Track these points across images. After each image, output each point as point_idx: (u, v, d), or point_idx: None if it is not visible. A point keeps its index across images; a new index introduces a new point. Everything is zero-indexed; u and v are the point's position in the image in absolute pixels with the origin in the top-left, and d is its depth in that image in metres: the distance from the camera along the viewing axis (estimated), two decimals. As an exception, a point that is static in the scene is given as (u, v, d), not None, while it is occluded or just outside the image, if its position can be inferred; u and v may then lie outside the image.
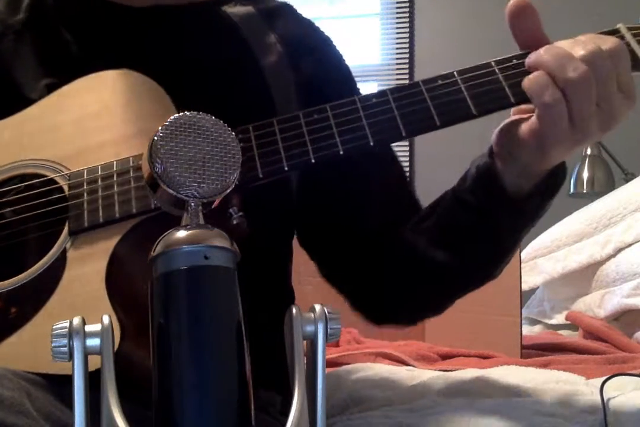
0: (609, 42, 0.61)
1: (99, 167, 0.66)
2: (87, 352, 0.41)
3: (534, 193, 0.67)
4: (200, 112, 0.44)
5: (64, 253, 0.62)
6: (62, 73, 0.75)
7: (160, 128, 0.43)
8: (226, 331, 0.40)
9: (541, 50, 0.62)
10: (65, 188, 0.66)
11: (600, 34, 0.65)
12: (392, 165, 0.87)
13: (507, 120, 0.67)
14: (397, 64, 3.34)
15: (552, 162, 0.65)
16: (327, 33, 0.90)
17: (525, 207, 0.68)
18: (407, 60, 3.32)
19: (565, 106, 0.59)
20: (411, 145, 3.21)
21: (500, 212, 0.69)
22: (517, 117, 0.66)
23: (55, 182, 0.67)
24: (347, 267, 0.84)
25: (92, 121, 0.70)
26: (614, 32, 0.66)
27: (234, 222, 0.58)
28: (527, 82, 0.61)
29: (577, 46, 0.61)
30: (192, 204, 0.43)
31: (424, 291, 0.80)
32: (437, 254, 0.74)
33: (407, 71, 3.31)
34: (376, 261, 0.81)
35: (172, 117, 0.43)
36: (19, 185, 0.68)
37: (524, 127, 0.63)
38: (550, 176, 0.67)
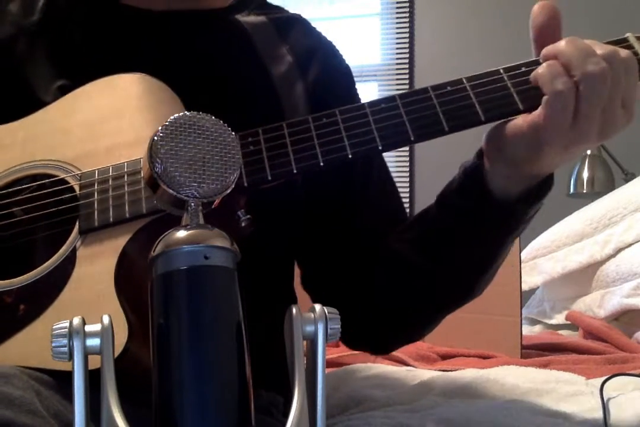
0: (624, 53, 0.62)
1: (110, 167, 0.66)
2: (87, 352, 0.41)
3: (521, 198, 0.67)
4: (200, 112, 0.44)
5: (74, 252, 0.63)
6: (74, 76, 0.76)
7: (160, 128, 0.43)
8: (226, 331, 0.40)
9: (562, 42, 0.62)
10: (76, 188, 0.66)
11: (608, 44, 0.64)
12: (384, 180, 0.87)
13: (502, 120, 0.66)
14: (397, 64, 3.34)
15: (542, 162, 0.64)
16: (335, 44, 0.91)
17: (511, 211, 0.67)
18: (407, 60, 3.32)
19: (574, 98, 0.59)
20: (411, 149, 3.20)
21: (484, 214, 0.68)
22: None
23: (66, 182, 0.67)
24: (326, 276, 0.83)
25: (105, 124, 0.70)
26: (622, 41, 0.66)
27: (242, 224, 0.58)
28: (540, 69, 0.61)
29: (596, 46, 0.61)
30: (192, 204, 0.43)
31: (410, 301, 0.78)
32: (420, 261, 0.74)
33: (407, 71, 3.31)
34: (363, 273, 0.80)
35: (172, 117, 0.43)
36: (31, 184, 0.69)
37: (522, 121, 0.63)
38: (539, 183, 0.66)
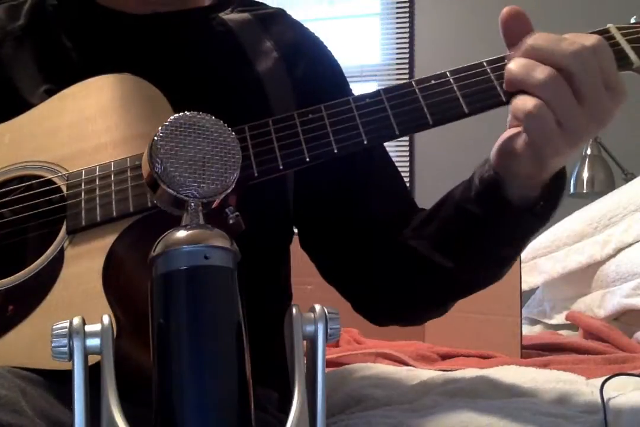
0: (591, 39, 0.61)
1: (97, 167, 0.66)
2: (87, 352, 0.41)
3: (539, 200, 0.67)
4: (200, 112, 0.44)
5: (61, 251, 0.63)
6: (61, 79, 0.76)
7: (160, 128, 0.43)
8: (226, 330, 0.40)
9: (510, 64, 0.62)
10: (64, 188, 0.66)
11: (583, 34, 0.64)
12: (385, 163, 0.88)
13: (503, 136, 0.66)
14: (397, 64, 3.34)
15: (552, 169, 0.65)
16: (320, 37, 0.91)
17: (532, 215, 0.68)
18: (407, 60, 3.32)
19: (547, 110, 0.59)
20: (411, 147, 3.21)
21: (506, 222, 0.68)
22: (513, 131, 0.65)
23: (54, 183, 0.67)
24: (348, 268, 0.84)
25: (91, 124, 0.70)
26: (604, 32, 0.66)
27: (230, 221, 0.58)
28: (512, 103, 0.61)
29: (562, 44, 0.60)
30: (192, 204, 0.43)
31: (426, 293, 0.80)
32: (440, 259, 0.74)
33: (407, 71, 3.31)
34: (378, 263, 0.81)
35: (172, 117, 0.43)
36: (18, 186, 0.69)
37: (519, 140, 0.63)
38: (553, 182, 0.67)
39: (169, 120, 0.43)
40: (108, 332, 0.42)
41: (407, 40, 3.32)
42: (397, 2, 3.35)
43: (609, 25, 0.67)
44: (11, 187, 0.69)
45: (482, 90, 0.64)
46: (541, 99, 0.59)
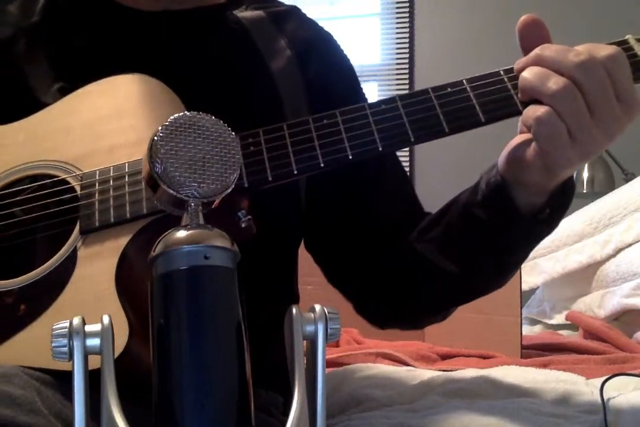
0: (605, 50, 0.61)
1: (111, 168, 0.66)
2: (87, 352, 0.41)
3: (545, 207, 0.67)
4: (200, 112, 0.44)
5: (74, 252, 0.63)
6: (73, 77, 0.76)
7: (160, 128, 0.43)
8: (226, 331, 0.40)
9: (524, 72, 0.62)
10: (77, 188, 0.66)
11: (600, 44, 0.64)
12: (395, 168, 0.87)
13: (512, 143, 0.66)
14: (397, 64, 3.34)
15: (561, 178, 0.65)
16: (333, 36, 0.91)
17: (538, 222, 0.67)
18: (407, 60, 3.31)
19: (557, 118, 0.59)
20: (411, 149, 3.20)
21: (512, 228, 0.68)
22: (522, 137, 0.65)
23: (67, 183, 0.67)
24: (352, 270, 0.84)
25: (105, 124, 0.70)
26: (622, 43, 0.66)
27: (242, 225, 0.59)
28: (523, 114, 0.61)
29: (569, 55, 0.60)
30: (192, 204, 0.43)
31: (428, 297, 0.80)
32: (445, 263, 0.74)
33: (407, 71, 3.31)
34: (382, 266, 0.81)
35: (171, 117, 0.43)
36: (32, 185, 0.69)
37: (529, 150, 0.63)
38: (561, 189, 0.66)
39: (168, 120, 0.43)
40: (108, 332, 0.42)
41: (407, 40, 3.32)
42: (397, 2, 3.34)
43: (627, 36, 0.66)
44: (24, 186, 0.69)
45: (499, 99, 0.64)
46: (554, 109, 0.59)
